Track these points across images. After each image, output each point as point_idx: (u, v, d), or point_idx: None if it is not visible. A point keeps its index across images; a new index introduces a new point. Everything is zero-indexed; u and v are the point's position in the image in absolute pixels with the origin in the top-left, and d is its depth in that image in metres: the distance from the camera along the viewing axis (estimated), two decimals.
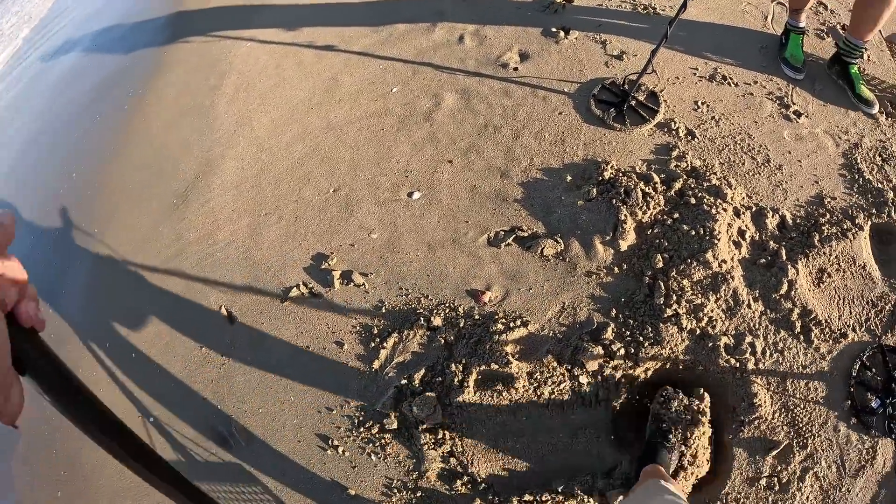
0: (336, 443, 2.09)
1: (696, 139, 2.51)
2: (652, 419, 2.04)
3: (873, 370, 2.20)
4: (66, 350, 2.40)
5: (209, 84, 3.28)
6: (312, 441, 2.10)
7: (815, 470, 2.07)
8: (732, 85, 2.68)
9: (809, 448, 2.08)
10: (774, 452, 2.07)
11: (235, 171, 2.80)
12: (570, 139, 2.55)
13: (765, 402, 2.11)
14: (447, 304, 2.32)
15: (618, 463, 2.05)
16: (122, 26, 4.04)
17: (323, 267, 2.42)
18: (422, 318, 2.27)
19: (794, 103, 2.65)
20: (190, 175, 2.84)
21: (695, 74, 2.71)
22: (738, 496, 2.01)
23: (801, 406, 2.14)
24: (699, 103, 2.62)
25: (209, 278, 2.47)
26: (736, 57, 2.78)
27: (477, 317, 2.28)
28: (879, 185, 2.48)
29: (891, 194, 2.46)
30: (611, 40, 2.83)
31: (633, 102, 2.57)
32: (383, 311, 2.28)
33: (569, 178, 2.46)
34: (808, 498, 2.04)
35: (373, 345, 2.23)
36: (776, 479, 2.06)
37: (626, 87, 2.61)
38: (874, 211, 2.42)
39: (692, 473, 1.99)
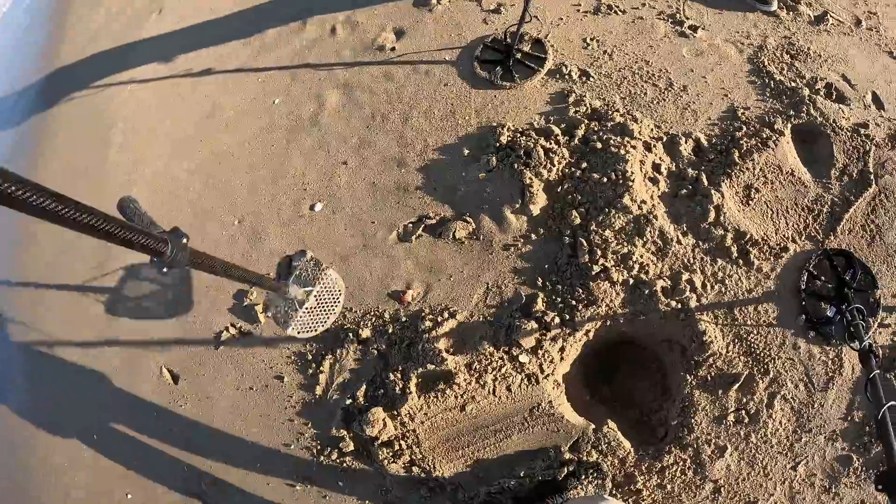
0: (302, 477, 2.00)
1: (591, 79, 2.32)
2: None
3: (822, 278, 2.04)
4: (25, 439, 2.28)
5: (97, 139, 3.04)
6: (280, 481, 2.02)
7: (783, 393, 1.93)
8: (620, 13, 2.49)
9: (772, 372, 1.94)
10: (736, 385, 1.93)
11: None
12: (461, 110, 2.35)
13: (715, 337, 1.95)
14: (372, 313, 2.14)
15: (581, 432, 1.89)
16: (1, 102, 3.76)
17: (245, 303, 2.24)
18: (350, 334, 2.10)
19: (687, 18, 2.47)
20: (96, 241, 2.59)
21: (578, 10, 2.51)
22: (709, 437, 1.86)
23: (755, 332, 1.98)
24: (588, 40, 2.43)
25: (144, 340, 2.32)
26: None
27: (404, 319, 2.10)
28: (793, 84, 2.31)
29: (806, 91, 2.29)
30: None
31: (519, 55, 2.37)
32: None
33: (466, 151, 2.26)
34: (780, 423, 1.90)
35: (310, 371, 2.10)
36: (744, 411, 1.92)
37: (508, 40, 2.40)
38: (792, 112, 2.25)
39: None
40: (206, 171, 2.59)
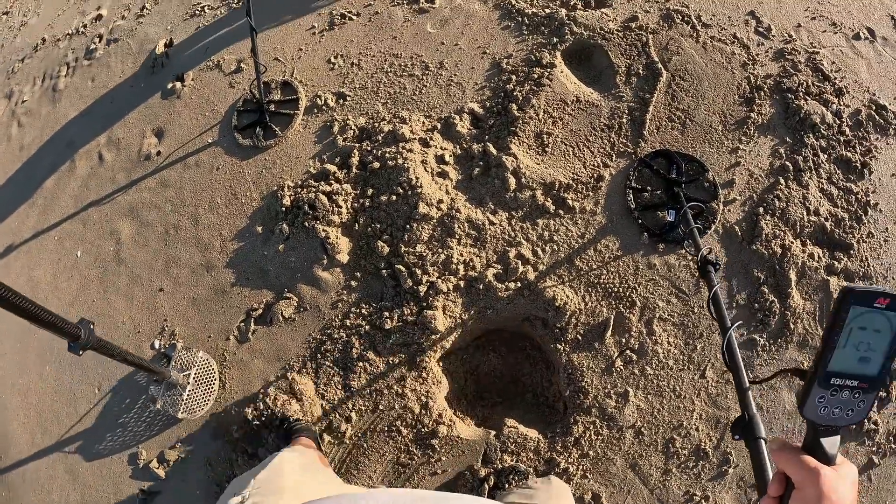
0: None
1: (347, 98, 2.16)
2: None
3: (648, 188, 1.92)
4: None
5: None
6: None
7: (658, 315, 1.85)
8: (354, 17, 2.33)
9: (638, 301, 1.85)
10: (609, 331, 1.84)
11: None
12: (240, 188, 2.18)
13: (567, 296, 1.84)
14: (243, 423, 1.96)
15: (485, 443, 1.75)
16: None
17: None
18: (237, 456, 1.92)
19: None
20: None
21: (314, 33, 2.35)
22: (607, 391, 1.76)
23: (605, 272, 1.87)
24: (332, 59, 2.27)
25: None
26: None
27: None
28: (547, 11, 2.18)
29: (563, 12, 2.17)
30: (223, 58, 2.44)
31: (272, 107, 2.19)
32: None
33: (259, 228, 2.09)
34: (668, 342, 1.84)
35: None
36: (628, 350, 1.83)
37: (257, 96, 2.23)
38: (556, 39, 2.13)
39: None
40: (43, 357, 2.38)
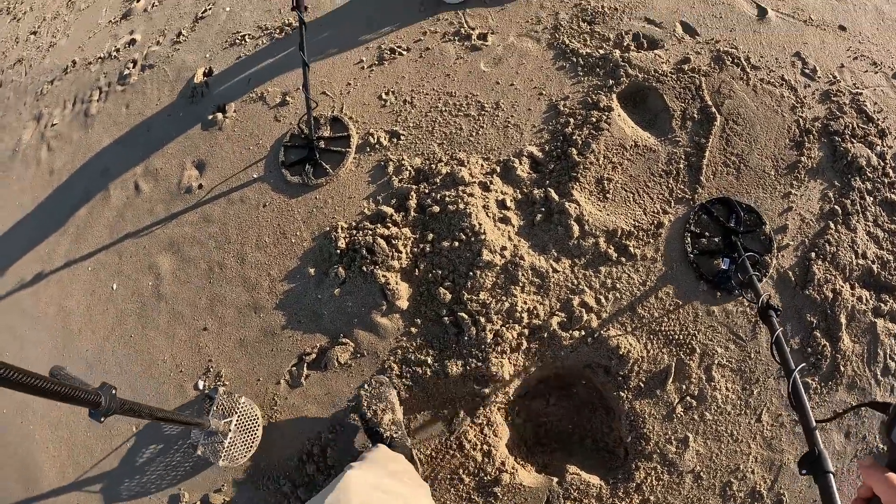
0: None
1: (401, 137, 2.13)
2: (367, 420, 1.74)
3: (706, 234, 1.92)
4: None
5: None
6: None
7: (717, 361, 1.86)
8: (404, 52, 2.30)
9: (698, 348, 1.85)
10: (670, 379, 1.83)
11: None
12: (289, 227, 2.14)
13: (631, 345, 1.84)
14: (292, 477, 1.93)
15: (547, 490, 1.74)
16: None
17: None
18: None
19: (472, 28, 2.30)
20: None
21: (363, 68, 2.31)
22: (667, 436, 1.77)
23: (666, 320, 1.87)
24: (384, 95, 2.23)
25: None
26: (388, 20, 2.40)
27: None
28: (601, 52, 2.17)
29: (616, 53, 2.16)
30: (267, 90, 2.40)
31: (322, 144, 2.16)
32: None
33: (311, 270, 2.05)
34: (727, 388, 1.84)
35: None
36: (688, 397, 1.83)
37: (305, 132, 2.19)
38: (611, 82, 2.12)
39: None
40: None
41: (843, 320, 1.93)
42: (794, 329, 1.97)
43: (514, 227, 1.95)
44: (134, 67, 2.72)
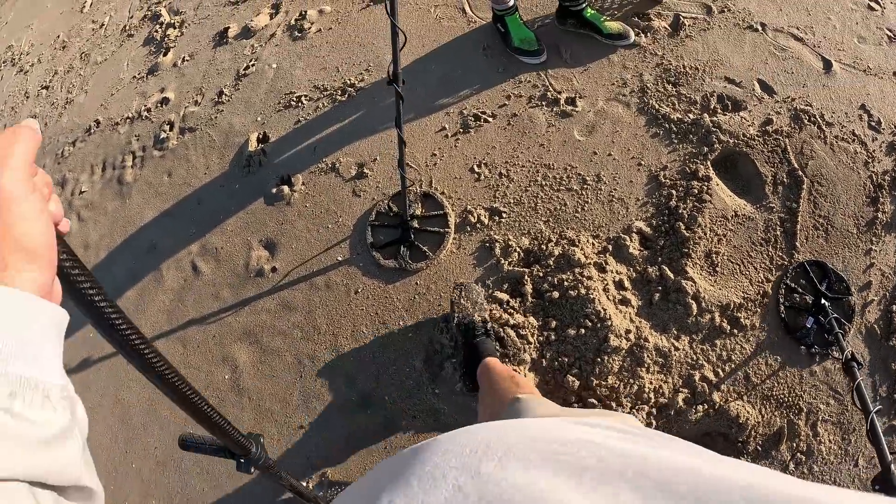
0: None
1: (503, 215, 2.05)
2: (457, 319, 1.80)
3: (798, 290, 2.00)
4: None
5: None
6: None
7: (821, 417, 1.92)
8: (491, 119, 2.19)
9: (805, 408, 1.91)
10: (784, 439, 1.87)
11: None
12: (389, 316, 2.02)
13: (748, 412, 1.88)
14: None
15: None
16: None
17: None
18: None
19: (559, 92, 2.22)
20: None
21: (447, 136, 2.19)
22: None
23: (775, 384, 1.93)
24: (476, 168, 2.13)
25: None
26: (469, 82, 2.28)
27: None
28: (691, 116, 2.15)
29: (706, 117, 2.14)
30: (339, 160, 2.24)
31: (416, 224, 2.04)
32: None
33: (420, 364, 1.95)
34: (830, 440, 1.90)
35: None
36: (798, 453, 1.87)
37: (395, 209, 2.06)
38: (706, 149, 2.10)
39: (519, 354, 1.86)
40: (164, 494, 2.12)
41: None
42: (881, 378, 2.06)
43: (633, 308, 1.92)
44: (171, 130, 2.46)
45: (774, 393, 1.93)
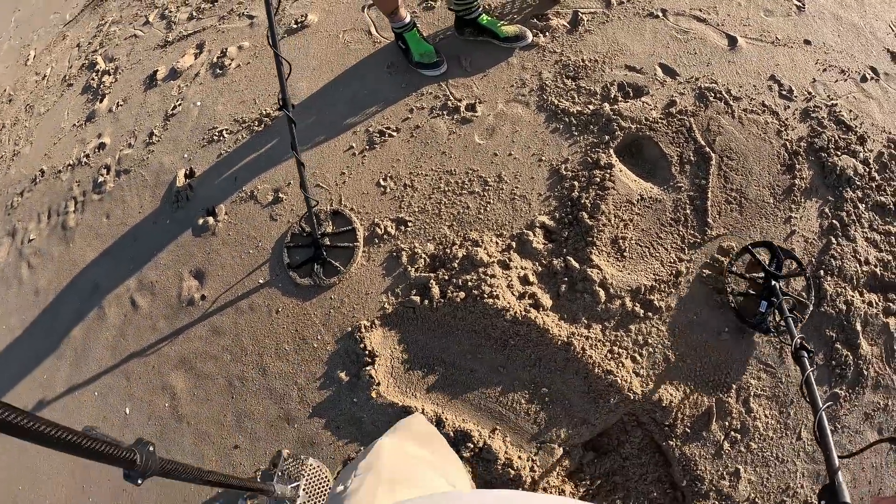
0: None
1: (409, 224, 2.10)
2: None
3: (746, 276, 1.97)
4: None
5: None
6: None
7: (752, 392, 1.92)
8: (394, 133, 2.26)
9: (733, 385, 1.93)
10: (714, 418, 1.87)
11: None
12: (309, 332, 2.08)
13: (670, 394, 1.88)
14: None
15: None
16: None
17: None
18: None
19: (459, 100, 2.28)
20: None
21: (353, 154, 2.27)
22: (720, 473, 1.81)
23: (698, 364, 1.95)
24: (382, 181, 2.19)
25: None
26: (375, 100, 2.36)
27: None
28: (591, 108, 2.18)
29: (606, 107, 2.17)
30: (256, 187, 2.32)
31: (328, 241, 2.10)
32: None
33: (342, 374, 2.00)
34: (766, 415, 1.88)
35: None
36: (732, 432, 1.86)
37: (307, 230, 2.13)
38: (607, 137, 2.13)
39: None
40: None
41: (859, 327, 2.00)
42: (816, 346, 2.02)
43: (542, 302, 1.94)
44: (108, 174, 2.60)
45: (699, 372, 1.92)
